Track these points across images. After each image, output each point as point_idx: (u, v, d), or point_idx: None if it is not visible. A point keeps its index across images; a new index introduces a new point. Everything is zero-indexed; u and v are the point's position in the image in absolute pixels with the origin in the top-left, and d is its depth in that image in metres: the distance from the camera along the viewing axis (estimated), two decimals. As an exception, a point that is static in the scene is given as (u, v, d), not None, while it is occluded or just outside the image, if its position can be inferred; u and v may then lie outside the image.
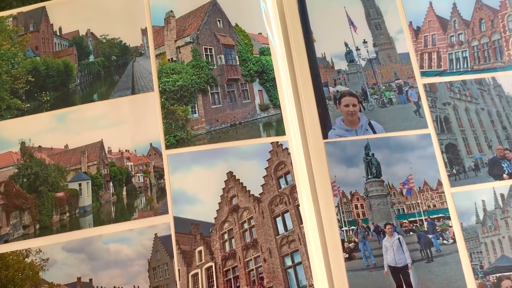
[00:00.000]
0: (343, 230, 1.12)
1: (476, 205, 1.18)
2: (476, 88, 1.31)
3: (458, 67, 1.33)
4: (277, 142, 1.12)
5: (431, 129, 1.23)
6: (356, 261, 1.11)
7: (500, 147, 1.25)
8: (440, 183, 1.18)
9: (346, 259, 1.10)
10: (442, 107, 1.27)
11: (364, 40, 1.31)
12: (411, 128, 1.23)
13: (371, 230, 1.15)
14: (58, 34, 1.20)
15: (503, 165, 1.23)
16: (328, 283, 1.06)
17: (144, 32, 1.18)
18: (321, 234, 1.11)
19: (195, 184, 1.08)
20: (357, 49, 1.30)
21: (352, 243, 1.12)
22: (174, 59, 1.15)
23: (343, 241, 1.11)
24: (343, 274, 1.08)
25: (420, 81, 1.28)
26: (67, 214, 1.09)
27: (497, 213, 1.19)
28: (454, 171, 1.20)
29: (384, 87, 1.28)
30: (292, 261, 1.05)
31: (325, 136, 1.19)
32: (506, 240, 1.17)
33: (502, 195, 1.20)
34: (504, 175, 1.22)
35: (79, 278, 1.03)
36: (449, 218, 1.16)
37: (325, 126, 1.20)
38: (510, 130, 1.27)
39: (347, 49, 1.29)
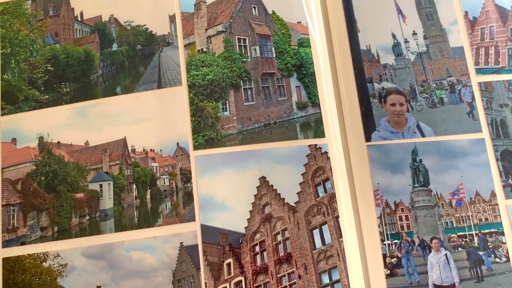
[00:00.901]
0: (385, 244, 1.03)
1: (533, 220, 1.07)
2: (537, 88, 1.18)
3: (518, 64, 1.20)
4: (316, 145, 1.02)
5: (485, 134, 1.11)
6: (398, 278, 1.01)
7: (562, 156, 1.13)
8: (494, 194, 1.07)
9: (388, 276, 1.00)
10: (499, 108, 1.14)
11: (414, 31, 1.18)
12: (463, 131, 1.11)
13: (416, 245, 1.05)
14: (79, 19, 1.11)
15: None
16: (368, 302, 0.98)
17: (172, 19, 1.07)
18: (361, 248, 1.01)
19: (225, 190, 0.99)
20: (406, 41, 1.17)
21: (395, 259, 1.03)
22: (205, 50, 1.06)
23: (384, 256, 1.02)
24: (384, 293, 0.99)
25: (475, 79, 1.15)
26: (87, 217, 1.02)
27: (556, 229, 1.07)
28: (510, 181, 1.09)
29: (434, 85, 1.16)
30: (330, 278, 0.96)
31: (368, 138, 1.08)
32: None
33: None
34: None
35: (99, 287, 0.96)
36: (502, 233, 1.05)
37: (368, 127, 1.09)
38: None
39: (395, 41, 1.17)
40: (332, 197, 0.99)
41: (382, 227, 1.03)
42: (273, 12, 1.08)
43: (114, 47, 1.08)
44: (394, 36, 1.17)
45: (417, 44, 1.18)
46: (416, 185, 1.08)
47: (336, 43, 1.13)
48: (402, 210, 1.06)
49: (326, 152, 1.02)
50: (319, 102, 1.05)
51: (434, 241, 1.05)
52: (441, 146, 1.10)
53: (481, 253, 1.05)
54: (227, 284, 0.96)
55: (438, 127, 1.11)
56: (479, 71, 1.17)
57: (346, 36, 1.14)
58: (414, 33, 1.18)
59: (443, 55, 1.18)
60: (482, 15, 1.22)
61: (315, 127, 1.04)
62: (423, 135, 1.10)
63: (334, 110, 1.06)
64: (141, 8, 1.09)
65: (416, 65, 1.18)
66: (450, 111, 1.13)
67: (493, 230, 1.06)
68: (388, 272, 1.01)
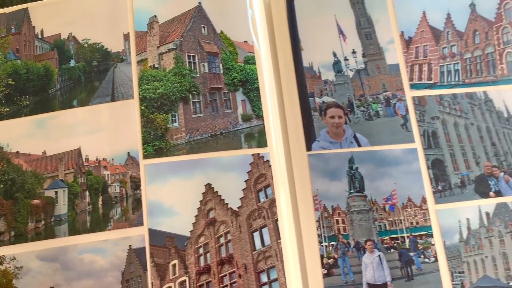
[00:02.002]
0: (322, 246, 1.11)
1: (460, 223, 1.16)
2: (466, 102, 1.28)
3: (449, 80, 1.30)
4: (259, 154, 1.10)
5: (417, 144, 1.20)
6: (334, 277, 1.09)
7: (488, 164, 1.23)
8: (424, 200, 1.16)
9: (325, 275, 1.08)
10: (431, 121, 1.24)
11: (353, 50, 1.28)
12: (397, 142, 1.20)
13: (352, 246, 1.13)
14: (39, 37, 1.18)
15: (490, 182, 1.21)
16: (305, 299, 1.05)
17: (126, 37, 1.15)
18: (300, 249, 1.09)
19: (172, 196, 1.06)
20: (346, 59, 1.27)
21: (332, 259, 1.10)
22: (156, 66, 1.13)
23: (322, 256, 1.10)
24: (320, 291, 1.06)
25: (409, 94, 1.25)
26: (43, 222, 1.08)
27: (481, 232, 1.17)
28: (439, 187, 1.18)
29: (371, 99, 1.25)
30: (268, 277, 1.03)
31: (308, 148, 1.17)
32: (489, 260, 1.15)
33: (487, 214, 1.18)
34: (491, 193, 1.19)
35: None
36: (431, 236, 1.14)
37: (309, 137, 1.18)
38: (499, 147, 1.25)
39: (335, 59, 1.26)
40: (272, 202, 1.07)
41: (320, 229, 1.11)
42: (221, 32, 1.17)
43: (72, 63, 1.15)
44: (335, 55, 1.26)
45: (356, 62, 1.28)
46: (352, 191, 1.16)
47: (281, 60, 1.22)
48: (339, 214, 1.14)
49: (268, 161, 1.10)
50: (262, 115, 1.13)
51: (368, 243, 1.13)
52: (376, 155, 1.18)
53: (411, 254, 1.13)
54: (172, 284, 1.02)
55: (374, 137, 1.20)
56: (413, 87, 1.26)
57: (290, 54, 1.23)
58: (354, 52, 1.28)
59: (380, 72, 1.28)
60: (417, 35, 1.32)
61: (259, 138, 1.12)
62: (359, 145, 1.19)
63: (277, 122, 1.15)
64: (98, 27, 1.16)
65: (355, 81, 1.27)
66: (385, 123, 1.22)
67: (423, 232, 1.15)
68: (325, 272, 1.09)
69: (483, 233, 1.17)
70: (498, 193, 1.19)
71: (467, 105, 1.28)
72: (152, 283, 1.02)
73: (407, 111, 1.23)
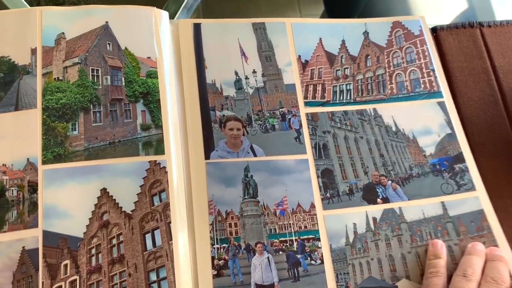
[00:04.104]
0: (214, 248, 1.17)
1: (347, 228, 1.25)
2: (357, 118, 1.40)
3: (341, 98, 1.42)
4: (155, 160, 1.17)
5: (309, 155, 1.30)
6: (224, 278, 1.15)
7: (376, 173, 1.34)
8: (313, 206, 1.25)
9: (215, 276, 1.14)
10: (322, 134, 1.35)
11: (254, 70, 1.39)
12: (290, 153, 1.30)
13: (242, 248, 1.19)
14: (-51, 50, 1.23)
15: (377, 190, 1.32)
16: (194, 299, 1.10)
17: (33, 51, 1.22)
18: (193, 251, 1.15)
19: (68, 200, 1.11)
20: (246, 78, 1.38)
21: (222, 261, 1.16)
22: (61, 78, 1.20)
23: (213, 258, 1.16)
24: (210, 291, 1.12)
25: (303, 110, 1.37)
26: None
27: (368, 236, 1.26)
28: (328, 194, 1.28)
29: (268, 114, 1.36)
30: (157, 276, 1.08)
31: (207, 157, 1.25)
32: (374, 262, 1.24)
33: (374, 219, 1.28)
34: (378, 200, 1.30)
35: None
36: (319, 239, 1.22)
37: (209, 147, 1.26)
38: (387, 158, 1.37)
39: (237, 77, 1.37)
40: (166, 206, 1.14)
41: (213, 232, 1.18)
42: (126, 48, 1.26)
43: (-20, 75, 1.20)
44: (236, 73, 1.37)
45: (256, 81, 1.39)
46: (246, 197, 1.24)
47: (185, 76, 1.32)
48: (232, 218, 1.21)
49: (164, 167, 1.17)
50: (161, 125, 1.21)
51: (258, 245, 1.20)
52: (270, 165, 1.28)
53: (299, 256, 1.21)
54: (62, 283, 1.06)
55: (269, 148, 1.29)
56: (307, 104, 1.38)
57: (194, 71, 1.33)
58: (254, 72, 1.39)
59: (277, 90, 1.39)
60: (313, 58, 1.45)
61: (156, 146, 1.19)
62: (255, 155, 1.28)
63: (177, 131, 1.23)
64: (6, 41, 1.23)
65: (254, 97, 1.38)
66: (280, 136, 1.33)
67: (310, 236, 1.23)
68: (215, 272, 1.15)
69: (370, 236, 1.26)
70: (386, 200, 1.30)
71: (358, 121, 1.40)
72: (42, 282, 1.05)
73: (300, 125, 1.34)
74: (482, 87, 1.47)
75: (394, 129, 1.40)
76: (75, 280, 1.06)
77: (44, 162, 1.13)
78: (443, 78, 1.46)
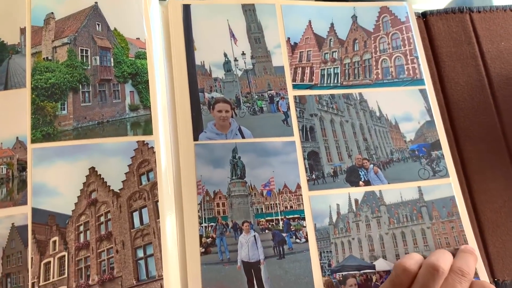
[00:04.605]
0: (202, 226, 1.20)
1: (330, 208, 1.28)
2: (343, 102, 1.43)
3: (328, 82, 1.44)
4: (144, 141, 1.19)
5: (296, 137, 1.33)
6: (211, 255, 1.18)
7: (359, 157, 1.37)
8: (299, 187, 1.28)
9: (202, 253, 1.17)
10: (309, 117, 1.37)
11: (243, 52, 1.40)
12: (278, 135, 1.32)
13: (229, 227, 1.22)
14: None
15: (360, 173, 1.35)
16: (182, 275, 1.14)
17: (22, 31, 1.22)
18: (181, 229, 1.18)
19: (57, 178, 1.13)
20: (235, 60, 1.39)
21: (210, 239, 1.20)
22: (50, 58, 1.20)
23: (201, 236, 1.19)
24: (197, 267, 1.15)
25: (291, 93, 1.38)
26: None
27: (350, 216, 1.30)
28: (313, 176, 1.31)
29: (257, 97, 1.38)
30: (144, 253, 1.11)
31: (196, 138, 1.27)
32: (355, 241, 1.28)
33: (356, 201, 1.31)
34: (360, 182, 1.33)
35: None
36: (304, 219, 1.26)
37: (197, 129, 1.28)
38: (370, 142, 1.39)
39: (226, 59, 1.38)
40: (154, 185, 1.16)
41: (202, 212, 1.21)
42: (115, 29, 1.26)
43: (-32, 54, 1.20)
44: (225, 55, 1.38)
45: (245, 63, 1.40)
46: (233, 177, 1.27)
47: (174, 58, 1.33)
48: (220, 198, 1.24)
49: (152, 147, 1.19)
50: (150, 105, 1.23)
51: (245, 224, 1.23)
52: (258, 147, 1.30)
53: (284, 234, 1.24)
54: (51, 259, 1.08)
55: (257, 130, 1.31)
56: (295, 87, 1.40)
57: (184, 53, 1.34)
58: (243, 53, 1.40)
59: (266, 73, 1.41)
60: (302, 41, 1.46)
61: (145, 126, 1.21)
62: (243, 137, 1.30)
63: (165, 112, 1.25)
64: (-5, 21, 1.23)
65: (243, 80, 1.39)
66: (268, 118, 1.35)
67: (296, 216, 1.27)
68: (203, 250, 1.18)
69: (352, 217, 1.30)
70: (367, 183, 1.33)
71: (344, 105, 1.42)
72: (32, 258, 1.08)
73: (288, 108, 1.36)
74: (470, 72, 1.50)
75: (378, 114, 1.43)
76: (64, 256, 1.09)
77: (33, 141, 1.15)
78: (426, 65, 1.48)
